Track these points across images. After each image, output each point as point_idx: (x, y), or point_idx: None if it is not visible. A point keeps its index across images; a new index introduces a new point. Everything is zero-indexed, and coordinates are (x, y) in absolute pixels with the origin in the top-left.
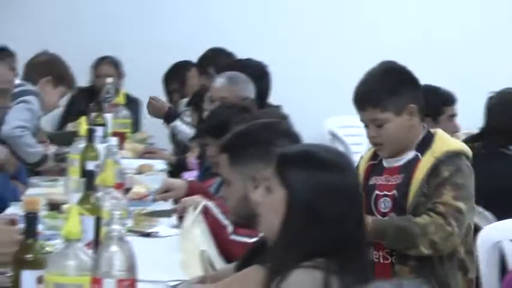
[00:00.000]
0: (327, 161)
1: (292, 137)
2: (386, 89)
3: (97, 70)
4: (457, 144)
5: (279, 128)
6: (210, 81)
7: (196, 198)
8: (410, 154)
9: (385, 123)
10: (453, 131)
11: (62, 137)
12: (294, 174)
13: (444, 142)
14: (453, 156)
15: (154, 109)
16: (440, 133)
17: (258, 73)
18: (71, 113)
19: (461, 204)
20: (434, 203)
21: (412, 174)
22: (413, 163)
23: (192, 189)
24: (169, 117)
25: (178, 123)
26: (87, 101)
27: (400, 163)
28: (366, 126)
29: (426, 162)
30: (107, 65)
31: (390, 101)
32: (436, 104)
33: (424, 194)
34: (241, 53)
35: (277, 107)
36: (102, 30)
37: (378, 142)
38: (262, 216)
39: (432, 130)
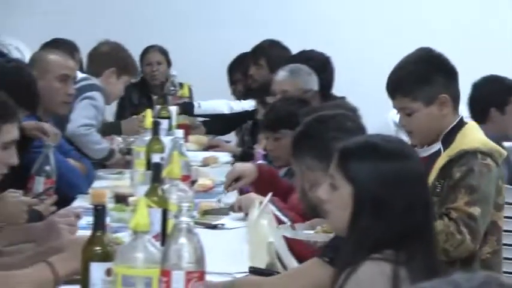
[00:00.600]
0: (388, 151)
1: (357, 131)
2: (417, 78)
3: (146, 58)
4: (474, 142)
5: (342, 123)
6: (259, 72)
7: (251, 195)
8: (437, 146)
9: (414, 113)
10: None
11: (111, 128)
12: (357, 168)
13: (464, 138)
14: (466, 155)
15: None
16: (467, 127)
17: (321, 65)
18: (124, 104)
19: (475, 210)
20: (447, 209)
21: (430, 170)
22: (435, 157)
23: (261, 173)
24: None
25: (200, 102)
26: (138, 91)
27: (425, 154)
28: (398, 113)
29: (441, 160)
30: (156, 53)
31: (420, 90)
32: (502, 94)
33: (437, 193)
34: (303, 46)
35: (342, 98)
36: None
37: (408, 130)
38: (330, 213)
39: (466, 121)
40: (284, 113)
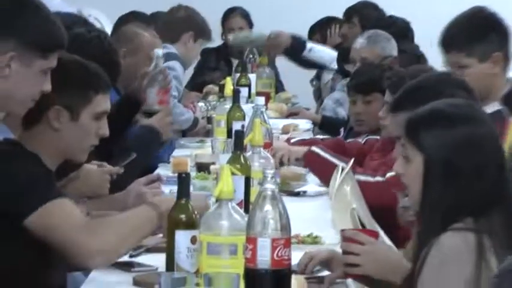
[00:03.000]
0: (456, 116)
1: (467, 87)
2: (474, 34)
3: (228, 24)
4: None
5: (454, 79)
6: (352, 31)
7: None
8: (494, 106)
9: (467, 68)
10: None
11: None
12: (426, 137)
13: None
14: None
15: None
16: None
17: (401, 30)
18: (200, 68)
19: None
20: None
21: (502, 131)
22: (497, 117)
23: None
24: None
25: (313, 46)
26: (215, 56)
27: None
28: (450, 68)
29: None
30: (238, 17)
31: (476, 46)
32: None
33: None
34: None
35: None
36: None
37: None
38: (409, 187)
39: None
40: (376, 76)
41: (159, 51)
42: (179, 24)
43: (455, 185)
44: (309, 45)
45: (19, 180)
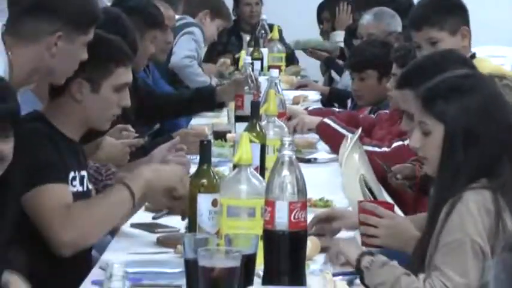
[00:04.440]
0: (469, 85)
1: (469, 63)
2: (442, 9)
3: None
4: (491, 66)
5: (457, 56)
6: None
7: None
8: None
9: (439, 42)
10: None
11: None
12: (445, 107)
13: (479, 63)
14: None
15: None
16: (479, 56)
17: (403, 7)
18: (215, 43)
19: None
20: None
21: None
22: None
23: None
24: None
25: None
26: (227, 30)
27: None
28: (418, 47)
29: None
30: None
31: (446, 20)
32: None
33: None
34: None
35: None
36: None
37: None
38: (427, 159)
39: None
40: (369, 54)
41: (248, 59)
42: (197, 2)
43: (475, 149)
44: None
45: (30, 160)
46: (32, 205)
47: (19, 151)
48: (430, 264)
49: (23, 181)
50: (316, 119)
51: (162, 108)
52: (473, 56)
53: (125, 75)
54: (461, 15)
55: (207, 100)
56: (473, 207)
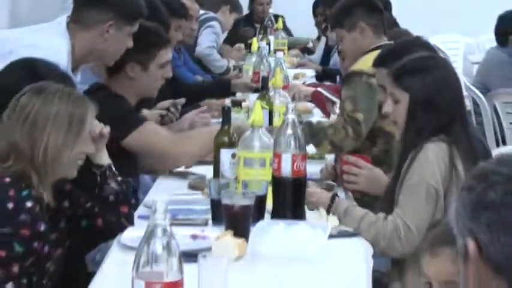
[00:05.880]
0: (430, 64)
1: (431, 47)
2: (342, 11)
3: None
4: (360, 64)
5: (422, 42)
6: None
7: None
8: None
9: (343, 39)
10: None
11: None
12: (410, 81)
13: (358, 62)
14: (352, 76)
15: None
16: (372, 53)
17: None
18: (234, 31)
19: (359, 115)
20: (341, 115)
21: None
22: None
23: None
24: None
25: None
26: (244, 21)
27: None
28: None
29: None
30: None
31: (340, 20)
32: None
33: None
34: None
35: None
36: None
37: (342, 56)
38: (397, 120)
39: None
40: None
41: (263, 43)
42: (219, 0)
43: (433, 113)
44: None
45: (117, 112)
46: (139, 144)
47: (106, 111)
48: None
49: (119, 130)
50: (311, 89)
51: (188, 94)
52: (376, 48)
53: (166, 54)
54: (361, 13)
55: (225, 90)
56: (431, 156)
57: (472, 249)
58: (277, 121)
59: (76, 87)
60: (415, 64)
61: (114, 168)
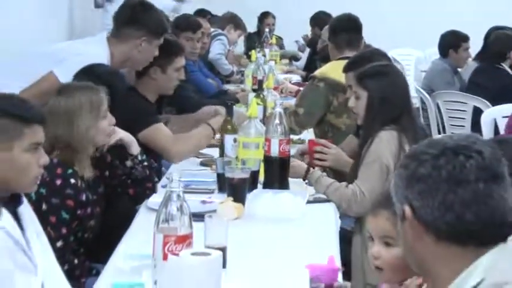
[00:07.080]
0: (385, 70)
1: (388, 57)
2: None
3: (264, 21)
4: (318, 70)
5: (380, 52)
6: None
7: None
8: None
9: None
10: None
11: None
12: (369, 81)
13: (320, 69)
14: (310, 78)
15: None
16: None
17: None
18: (247, 46)
19: (299, 109)
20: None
21: None
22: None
23: None
24: None
25: None
26: (254, 40)
27: None
28: None
29: None
30: (271, 18)
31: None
32: (456, 41)
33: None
34: None
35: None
36: None
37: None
38: (358, 114)
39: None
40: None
41: (259, 55)
42: (225, 20)
43: (386, 107)
44: None
45: (139, 110)
46: (150, 138)
47: (132, 108)
48: None
49: (137, 125)
50: (296, 87)
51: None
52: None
53: (181, 60)
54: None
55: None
56: (385, 140)
57: (407, 212)
58: (268, 114)
59: (124, 78)
60: (374, 69)
61: (143, 157)
